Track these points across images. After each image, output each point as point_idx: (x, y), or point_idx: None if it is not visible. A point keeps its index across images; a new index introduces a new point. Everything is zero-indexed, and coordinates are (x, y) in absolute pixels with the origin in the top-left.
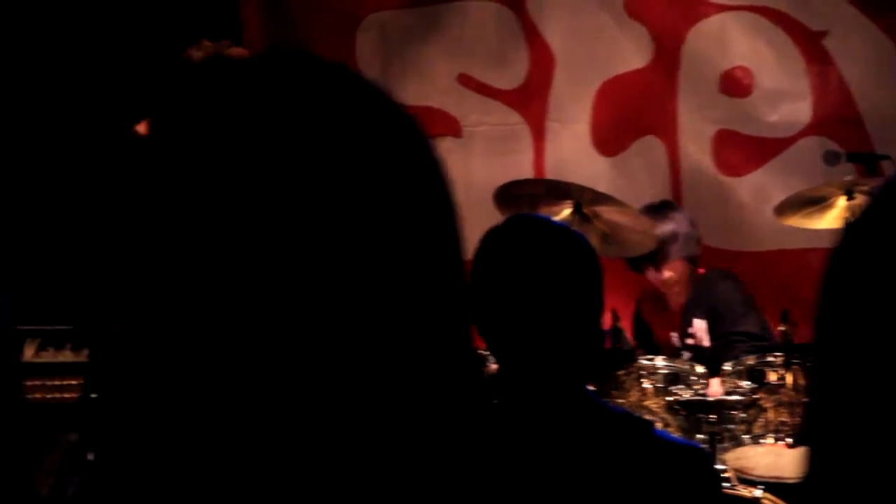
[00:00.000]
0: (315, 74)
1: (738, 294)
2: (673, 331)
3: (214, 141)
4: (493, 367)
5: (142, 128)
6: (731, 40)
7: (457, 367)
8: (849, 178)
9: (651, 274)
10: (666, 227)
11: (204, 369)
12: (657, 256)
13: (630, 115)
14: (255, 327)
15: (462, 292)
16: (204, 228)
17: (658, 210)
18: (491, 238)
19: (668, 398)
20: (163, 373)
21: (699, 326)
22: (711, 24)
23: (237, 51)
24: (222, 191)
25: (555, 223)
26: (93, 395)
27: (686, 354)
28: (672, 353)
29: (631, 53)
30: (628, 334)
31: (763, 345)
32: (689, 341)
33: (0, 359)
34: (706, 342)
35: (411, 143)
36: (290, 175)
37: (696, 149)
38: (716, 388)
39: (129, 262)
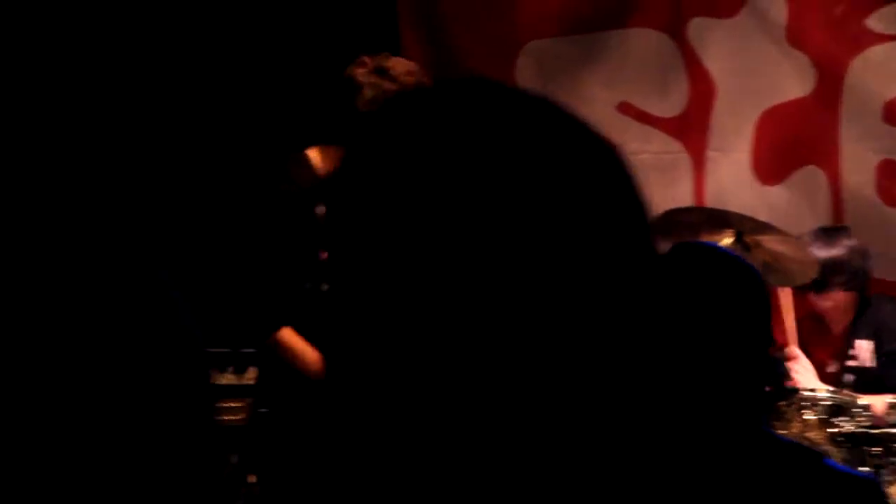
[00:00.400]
0: (503, 99)
1: None
2: (834, 355)
3: (424, 164)
4: None
5: (313, 153)
6: None
7: (655, 386)
8: None
9: (811, 298)
10: (831, 253)
11: (425, 382)
12: (819, 283)
13: (791, 144)
14: (473, 346)
15: (658, 305)
16: (415, 247)
17: (829, 234)
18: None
19: (830, 430)
20: (380, 383)
21: (863, 347)
22: (876, 54)
23: (396, 60)
24: (434, 212)
25: (723, 251)
26: (262, 410)
27: (849, 377)
28: (833, 379)
29: (793, 82)
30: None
31: None
32: (851, 363)
33: (191, 373)
34: (870, 363)
35: (613, 163)
36: (503, 199)
37: (859, 179)
38: (880, 408)
39: (342, 285)
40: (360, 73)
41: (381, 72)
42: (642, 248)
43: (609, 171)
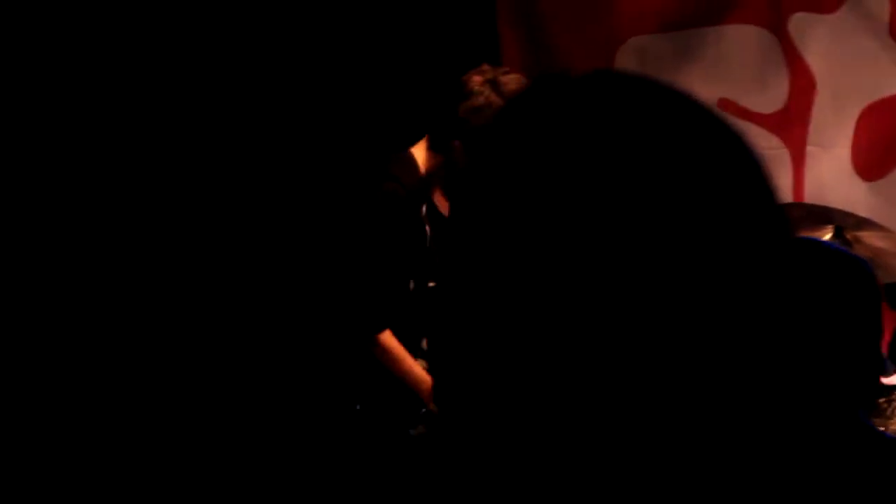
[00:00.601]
0: (633, 89)
1: None
2: None
3: (556, 156)
4: None
5: (417, 151)
6: None
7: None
8: None
9: None
10: None
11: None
12: None
13: (893, 139)
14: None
15: (785, 298)
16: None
17: None
18: None
19: None
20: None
21: None
22: None
23: (510, 78)
24: (569, 205)
25: (830, 245)
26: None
27: None
28: None
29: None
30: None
31: None
32: None
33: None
34: None
35: (745, 151)
36: (640, 193)
37: None
38: None
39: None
40: (476, 82)
41: (494, 84)
42: (778, 239)
43: (743, 159)
